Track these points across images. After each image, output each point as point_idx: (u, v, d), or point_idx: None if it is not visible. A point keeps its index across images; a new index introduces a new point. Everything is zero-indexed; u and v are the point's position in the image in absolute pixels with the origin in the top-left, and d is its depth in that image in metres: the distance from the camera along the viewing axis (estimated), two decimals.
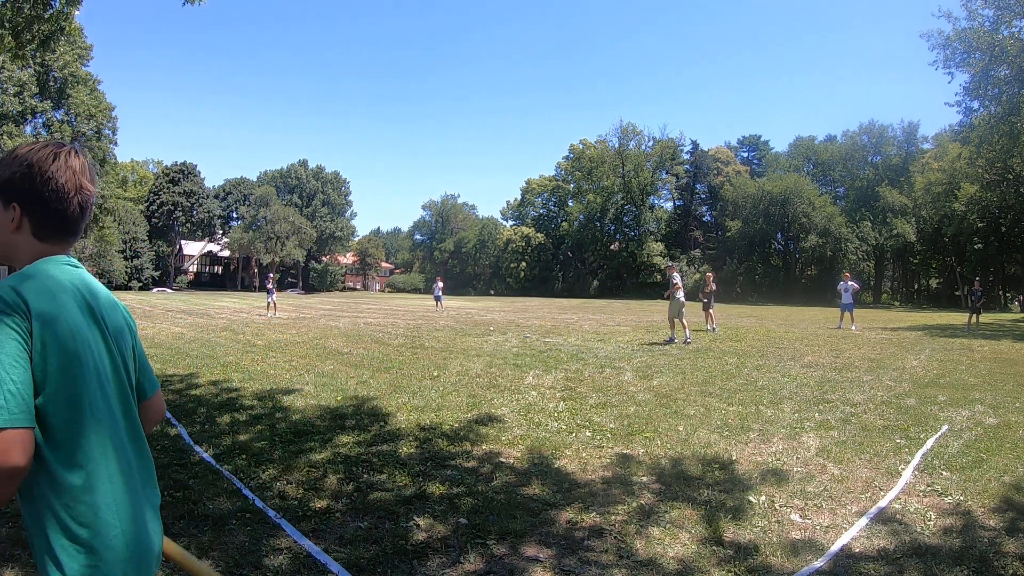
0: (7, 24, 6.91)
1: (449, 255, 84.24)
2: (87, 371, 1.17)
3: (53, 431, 1.12)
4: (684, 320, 12.42)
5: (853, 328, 17.39)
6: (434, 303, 29.23)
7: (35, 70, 40.49)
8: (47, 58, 38.89)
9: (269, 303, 21.67)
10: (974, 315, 19.38)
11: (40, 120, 42.76)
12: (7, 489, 1.04)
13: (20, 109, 40.19)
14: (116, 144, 46.82)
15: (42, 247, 1.24)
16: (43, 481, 1.12)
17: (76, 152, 1.28)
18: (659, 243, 65.34)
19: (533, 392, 6.80)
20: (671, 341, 12.25)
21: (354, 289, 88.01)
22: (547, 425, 5.31)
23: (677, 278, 12.62)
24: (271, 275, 23.02)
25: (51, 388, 1.11)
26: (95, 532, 1.14)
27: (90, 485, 1.14)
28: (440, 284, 30.11)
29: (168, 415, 5.52)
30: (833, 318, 20.98)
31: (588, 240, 68.69)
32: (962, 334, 16.45)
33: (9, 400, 1.04)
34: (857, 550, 2.95)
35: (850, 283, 17.81)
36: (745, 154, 71.89)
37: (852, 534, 3.11)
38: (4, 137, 38.12)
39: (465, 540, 3.01)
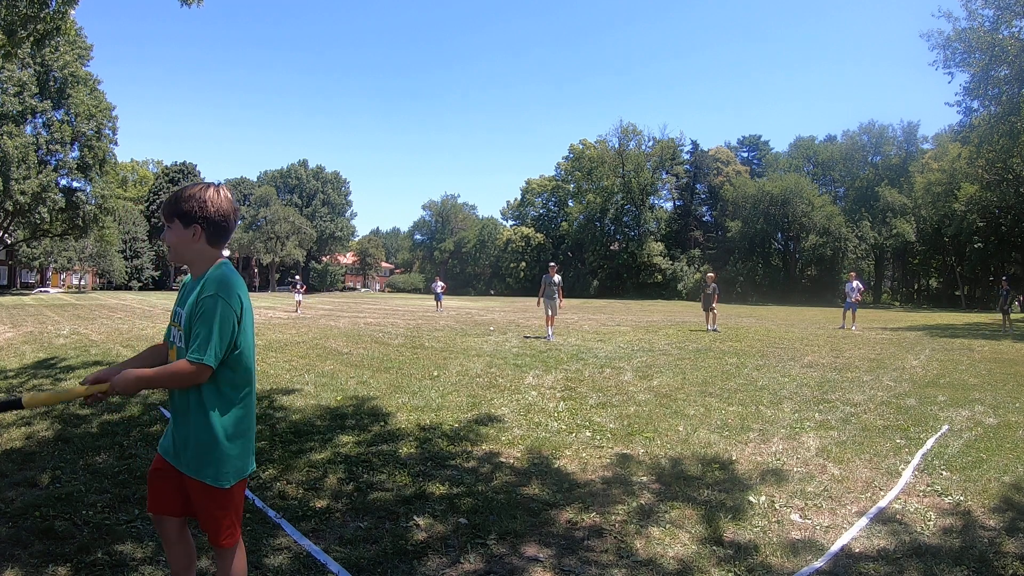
0: (2, 22, 6.90)
1: (449, 255, 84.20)
2: (253, 329, 2.04)
3: (241, 367, 1.98)
4: (554, 317, 13.43)
5: (853, 328, 17.42)
6: (434, 303, 29.21)
7: (35, 70, 40.45)
8: (47, 58, 38.89)
9: (298, 302, 24.87)
10: (1005, 316, 18.77)
11: (40, 120, 42.65)
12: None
13: (20, 109, 40.08)
14: (116, 144, 46.88)
15: (213, 251, 1.99)
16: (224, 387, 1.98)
17: (223, 186, 2.03)
18: (659, 243, 65.29)
19: (533, 392, 6.79)
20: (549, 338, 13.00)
21: (354, 289, 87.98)
22: (547, 425, 5.31)
23: (559, 282, 13.41)
24: (298, 277, 27.32)
25: (245, 341, 1.98)
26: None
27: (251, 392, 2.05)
28: (440, 284, 29.97)
29: (167, 414, 5.51)
30: (833, 318, 20.99)
31: (588, 240, 68.62)
32: (963, 335, 16.45)
33: (219, 353, 1.88)
34: (857, 550, 2.94)
35: (854, 283, 17.88)
36: (745, 154, 71.85)
37: (852, 534, 3.10)
38: (4, 137, 38.05)
39: (465, 540, 3.01)
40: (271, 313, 23.14)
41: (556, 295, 13.26)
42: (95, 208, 44.80)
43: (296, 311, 23.82)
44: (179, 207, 1.95)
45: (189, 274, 2.08)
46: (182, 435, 1.98)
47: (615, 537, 3.07)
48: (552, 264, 14.16)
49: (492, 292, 72.49)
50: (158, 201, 72.57)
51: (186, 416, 1.96)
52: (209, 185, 1.99)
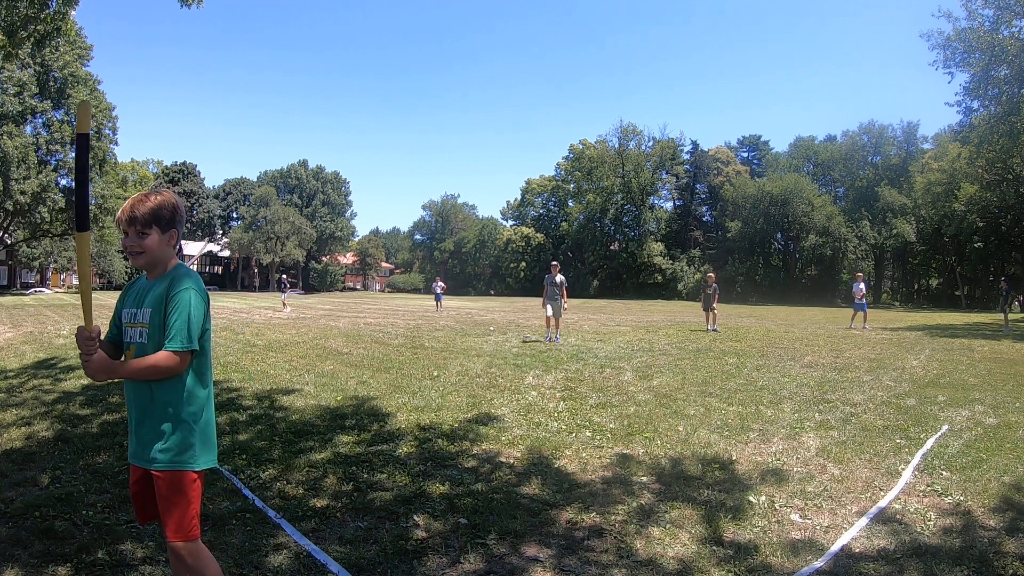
0: (2, 23, 6.91)
1: (449, 255, 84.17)
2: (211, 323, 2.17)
3: (204, 353, 2.09)
4: (558, 319, 12.83)
5: (851, 327, 17.48)
6: (434, 303, 29.20)
7: (35, 70, 40.44)
8: (47, 58, 38.85)
9: (283, 301, 25.33)
10: (1005, 316, 18.99)
11: (40, 120, 42.64)
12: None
13: (20, 109, 40.06)
14: (116, 144, 46.91)
15: (173, 252, 2.15)
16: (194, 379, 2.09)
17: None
18: (659, 243, 65.28)
19: (533, 392, 6.79)
20: (551, 339, 12.53)
21: (354, 289, 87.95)
22: (547, 425, 5.31)
23: (563, 282, 12.90)
24: (285, 276, 27.17)
25: (207, 332, 2.10)
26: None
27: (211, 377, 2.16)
28: (440, 284, 29.91)
29: None
30: (833, 318, 21.00)
31: (588, 240, 68.61)
32: (963, 335, 16.44)
33: (195, 338, 2.00)
34: (857, 550, 2.94)
35: (860, 284, 17.93)
36: (745, 154, 71.81)
37: (852, 534, 3.10)
38: (4, 137, 38.04)
39: (465, 540, 3.01)
40: (270, 313, 23.14)
41: (559, 296, 12.59)
42: (95, 208, 44.74)
43: (284, 309, 24.10)
44: (159, 214, 2.05)
45: (144, 276, 2.17)
46: (149, 429, 2.01)
47: (615, 537, 3.07)
48: (554, 263, 13.32)
49: (492, 292, 72.49)
50: None
51: (153, 409, 2.00)
52: (167, 191, 2.14)
